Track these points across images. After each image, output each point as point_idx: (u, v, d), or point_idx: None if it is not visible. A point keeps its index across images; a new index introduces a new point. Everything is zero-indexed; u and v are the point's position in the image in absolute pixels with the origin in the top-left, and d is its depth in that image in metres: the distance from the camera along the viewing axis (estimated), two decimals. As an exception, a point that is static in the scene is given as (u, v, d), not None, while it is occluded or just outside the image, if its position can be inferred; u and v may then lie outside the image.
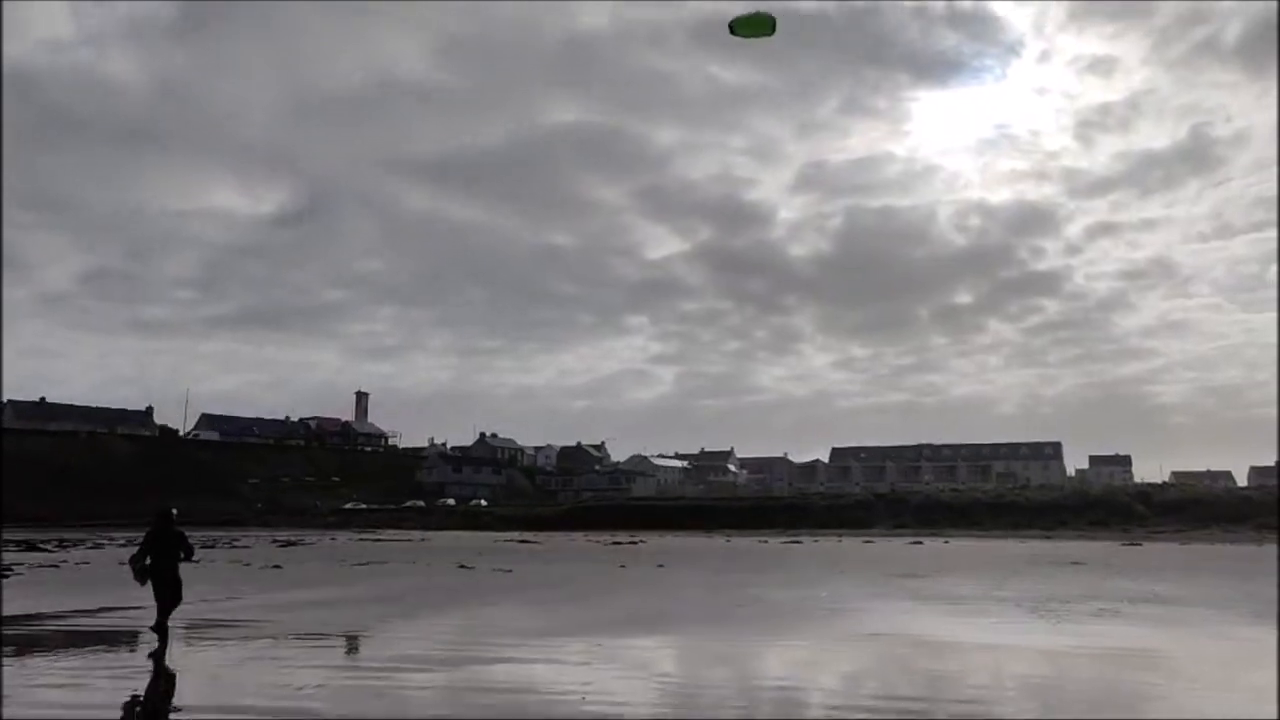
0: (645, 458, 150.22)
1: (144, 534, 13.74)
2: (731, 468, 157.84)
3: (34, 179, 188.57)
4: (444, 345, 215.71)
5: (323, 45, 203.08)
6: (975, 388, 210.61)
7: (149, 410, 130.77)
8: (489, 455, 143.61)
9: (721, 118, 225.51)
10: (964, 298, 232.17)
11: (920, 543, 54.54)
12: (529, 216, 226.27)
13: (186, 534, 13.83)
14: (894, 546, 50.13)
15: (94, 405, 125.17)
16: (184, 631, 14.44)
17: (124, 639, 14.28)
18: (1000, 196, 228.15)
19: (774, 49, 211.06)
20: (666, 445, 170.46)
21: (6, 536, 52.75)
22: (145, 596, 13.79)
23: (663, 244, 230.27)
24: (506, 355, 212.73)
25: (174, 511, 13.96)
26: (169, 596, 13.32)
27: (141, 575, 13.33)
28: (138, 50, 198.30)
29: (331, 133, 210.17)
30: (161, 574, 13.34)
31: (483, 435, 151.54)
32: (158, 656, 12.13)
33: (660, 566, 32.45)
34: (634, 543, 53.39)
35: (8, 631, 14.47)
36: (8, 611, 17.00)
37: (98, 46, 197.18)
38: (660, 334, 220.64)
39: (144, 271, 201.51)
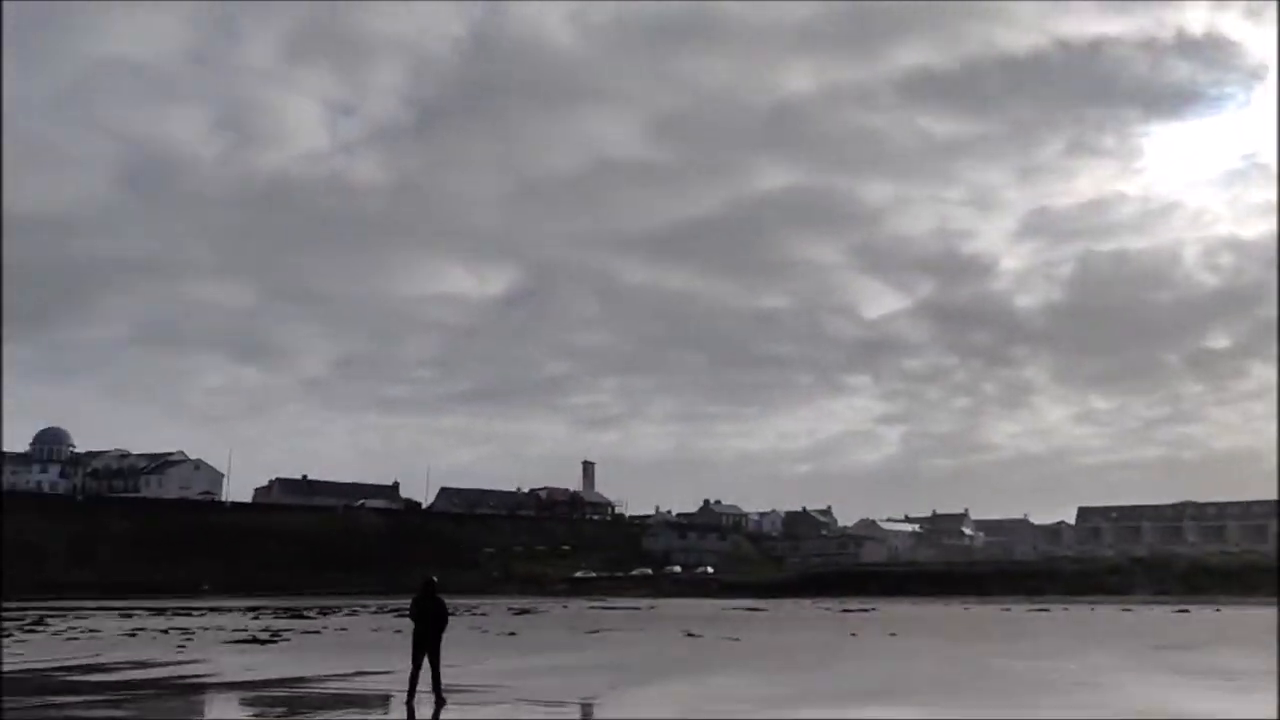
0: (874, 522, 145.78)
1: (410, 600, 14.66)
2: (967, 530, 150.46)
3: (296, 276, 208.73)
4: (666, 412, 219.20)
5: (541, 134, 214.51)
6: (1240, 439, 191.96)
7: (395, 485, 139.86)
8: (713, 522, 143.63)
9: (935, 169, 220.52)
10: (1220, 341, 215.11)
11: (1186, 611, 49.82)
12: (744, 281, 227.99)
13: (445, 602, 14.61)
14: (1155, 615, 46.05)
15: (349, 481, 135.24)
16: (426, 695, 15.22)
17: (376, 702, 15.18)
18: (1254, 230, 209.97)
19: (989, 96, 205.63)
20: (895, 508, 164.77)
21: (276, 604, 57.41)
22: (394, 663, 14.65)
23: (881, 301, 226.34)
24: (727, 420, 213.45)
25: (435, 580, 14.86)
26: (430, 659, 14.09)
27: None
28: (381, 154, 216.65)
29: (551, 214, 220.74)
30: (423, 638, 14.18)
31: (707, 502, 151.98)
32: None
33: (893, 635, 31.25)
34: (865, 610, 51.67)
35: (280, 693, 15.73)
36: (282, 674, 18.49)
37: (348, 154, 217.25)
38: (884, 393, 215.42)
39: (388, 354, 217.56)
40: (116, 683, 17.59)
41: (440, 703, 13.66)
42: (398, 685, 14.82)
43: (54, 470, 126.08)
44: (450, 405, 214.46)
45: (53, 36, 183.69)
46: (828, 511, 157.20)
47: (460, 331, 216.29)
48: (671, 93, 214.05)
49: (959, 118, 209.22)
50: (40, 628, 35.35)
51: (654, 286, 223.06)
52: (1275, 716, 8.31)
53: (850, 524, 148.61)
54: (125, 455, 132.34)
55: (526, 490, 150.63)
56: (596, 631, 34.05)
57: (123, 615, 46.13)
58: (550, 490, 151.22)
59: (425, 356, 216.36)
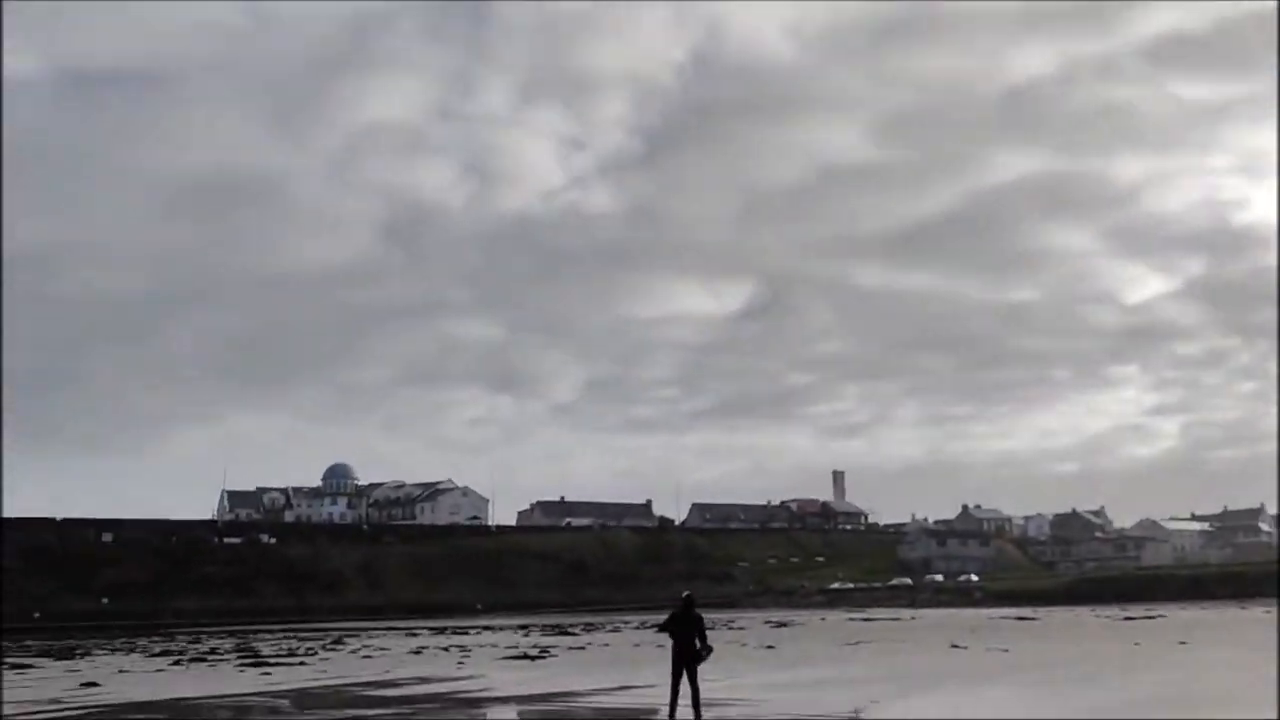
0: (1155, 521, 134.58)
1: (667, 616, 14.84)
2: (1264, 527, 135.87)
3: (542, 308, 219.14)
4: (913, 416, 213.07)
5: (766, 147, 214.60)
6: None
7: (648, 503, 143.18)
8: (974, 528, 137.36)
9: (1195, 138, 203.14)
10: None
11: None
12: (989, 276, 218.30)
13: (703, 617, 14.65)
14: None
15: (603, 501, 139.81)
16: (687, 708, 15.42)
17: (641, 716, 15.52)
18: None
19: (1249, 54, 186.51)
20: (1179, 506, 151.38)
21: (544, 622, 60.04)
22: (655, 678, 14.91)
23: (1144, 285, 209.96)
24: (980, 421, 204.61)
25: (688, 595, 14.95)
26: (689, 675, 14.20)
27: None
28: (612, 184, 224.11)
29: (783, 226, 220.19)
30: (680, 654, 14.34)
31: (965, 507, 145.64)
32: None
33: (1182, 644, 28.65)
34: (1150, 617, 47.70)
35: (550, 707, 16.44)
36: (551, 689, 19.35)
37: (582, 187, 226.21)
38: (1154, 382, 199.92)
39: (632, 376, 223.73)
40: (405, 697, 18.99)
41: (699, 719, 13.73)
42: (660, 700, 15.10)
43: (342, 502, 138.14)
44: (696, 422, 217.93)
45: (321, 108, 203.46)
46: (1100, 512, 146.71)
47: (700, 349, 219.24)
48: (895, 92, 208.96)
49: (1217, 80, 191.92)
50: (339, 646, 38.74)
51: (892, 289, 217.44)
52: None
53: (1128, 525, 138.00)
54: (401, 485, 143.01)
55: (777, 503, 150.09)
56: (856, 643, 33.33)
57: (408, 634, 49.72)
58: (801, 502, 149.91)
59: (668, 376, 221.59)
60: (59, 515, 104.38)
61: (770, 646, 33.17)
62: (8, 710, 17.61)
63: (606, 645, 36.26)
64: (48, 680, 24.93)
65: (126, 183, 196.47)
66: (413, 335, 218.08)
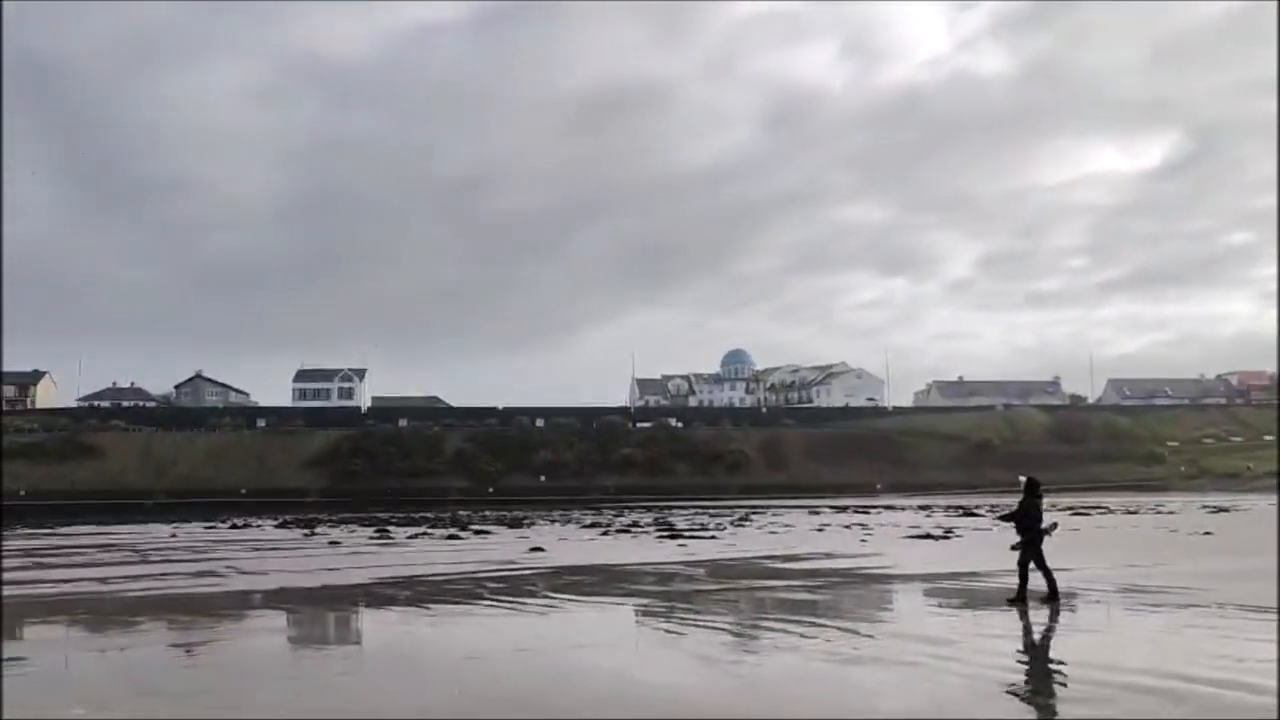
0: None
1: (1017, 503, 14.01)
2: None
3: (933, 184, 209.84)
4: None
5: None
6: None
7: (1056, 380, 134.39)
8: None
9: None
10: None
11: None
12: None
13: (1040, 504, 13.63)
14: None
15: (1005, 380, 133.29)
16: (1116, 596, 14.46)
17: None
18: None
19: None
20: None
21: (945, 503, 59.16)
22: (1077, 561, 14.06)
23: None
24: None
25: (1035, 480, 13.86)
26: (1038, 564, 13.38)
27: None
28: (1005, 42, 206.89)
29: (1203, 70, 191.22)
30: (1026, 543, 13.48)
31: None
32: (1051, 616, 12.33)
33: None
34: None
35: (954, 585, 16.17)
36: (955, 568, 19.04)
37: (971, 51, 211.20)
38: None
39: (1035, 247, 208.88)
40: (810, 570, 19.60)
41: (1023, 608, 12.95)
42: (1069, 582, 14.39)
43: (740, 387, 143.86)
44: (1109, 293, 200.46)
45: (698, 8, 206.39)
46: None
47: (1113, 212, 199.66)
48: None
49: None
50: (745, 523, 40.80)
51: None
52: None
53: None
54: (796, 370, 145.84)
55: (1213, 376, 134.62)
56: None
57: (810, 513, 51.16)
58: (1243, 374, 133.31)
59: (1075, 245, 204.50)
60: (500, 405, 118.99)
61: (1208, 533, 30.05)
62: (489, 560, 20.58)
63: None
64: (504, 544, 28.77)
65: (535, 106, 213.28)
66: (801, 223, 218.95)
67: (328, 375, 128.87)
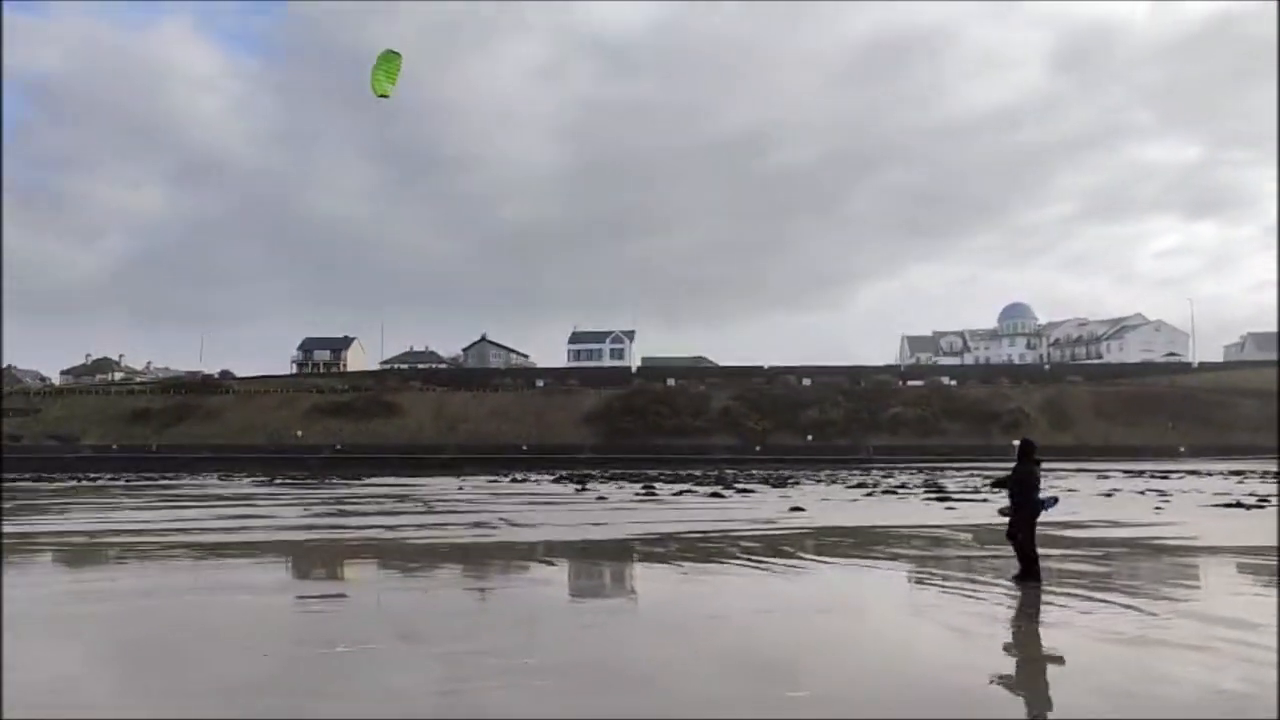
0: None
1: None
2: None
3: (1246, 118, 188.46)
4: None
5: None
6: None
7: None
8: None
9: None
10: None
11: None
12: None
13: (1035, 471, 11.96)
14: None
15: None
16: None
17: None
18: None
19: None
20: None
21: (1255, 468, 53.07)
22: None
23: None
24: None
25: (1030, 442, 12.15)
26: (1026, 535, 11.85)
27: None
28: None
29: None
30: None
31: None
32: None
33: None
34: None
35: (1267, 561, 14.26)
36: (1266, 541, 16.84)
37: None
38: None
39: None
40: (1095, 539, 17.96)
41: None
42: None
43: (1020, 343, 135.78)
44: None
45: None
46: None
47: None
48: None
49: None
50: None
51: None
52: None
53: None
54: (1084, 323, 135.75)
55: None
56: None
57: (1099, 477, 47.45)
58: None
59: None
60: (765, 364, 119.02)
61: None
62: (748, 519, 20.54)
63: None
64: (765, 503, 28.65)
65: (811, 58, 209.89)
66: (1093, 167, 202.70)
67: (599, 337, 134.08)
